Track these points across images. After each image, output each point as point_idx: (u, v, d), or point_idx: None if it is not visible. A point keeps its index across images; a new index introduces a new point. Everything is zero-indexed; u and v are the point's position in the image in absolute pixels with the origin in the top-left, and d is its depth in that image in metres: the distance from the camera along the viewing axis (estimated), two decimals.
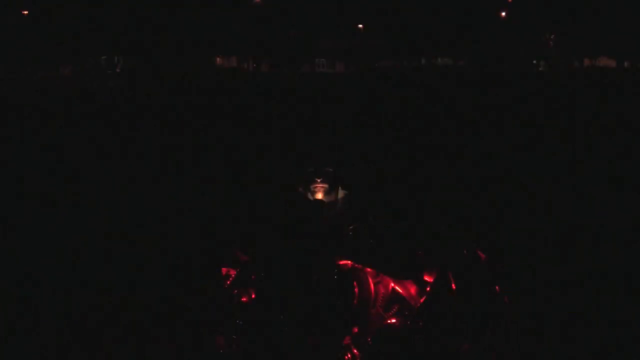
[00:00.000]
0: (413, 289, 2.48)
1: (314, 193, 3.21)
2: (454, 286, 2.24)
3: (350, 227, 2.65)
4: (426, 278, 2.44)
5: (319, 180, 3.20)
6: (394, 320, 2.48)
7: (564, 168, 8.49)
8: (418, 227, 2.62)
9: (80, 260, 4.95)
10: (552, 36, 57.73)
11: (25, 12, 50.31)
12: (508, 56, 54.56)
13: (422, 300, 2.38)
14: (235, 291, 3.34)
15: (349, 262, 2.71)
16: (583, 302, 3.93)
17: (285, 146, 9.80)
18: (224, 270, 3.43)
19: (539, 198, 6.55)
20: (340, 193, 3.21)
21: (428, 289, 2.38)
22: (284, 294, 3.00)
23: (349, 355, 2.63)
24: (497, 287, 2.28)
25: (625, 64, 55.01)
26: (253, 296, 3.28)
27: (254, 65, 60.47)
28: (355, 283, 2.56)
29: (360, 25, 59.26)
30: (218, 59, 61.07)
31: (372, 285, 2.59)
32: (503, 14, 57.55)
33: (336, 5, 54.41)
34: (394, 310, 2.51)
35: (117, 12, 48.67)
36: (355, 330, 2.62)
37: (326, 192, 3.20)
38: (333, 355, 2.64)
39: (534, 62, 60.84)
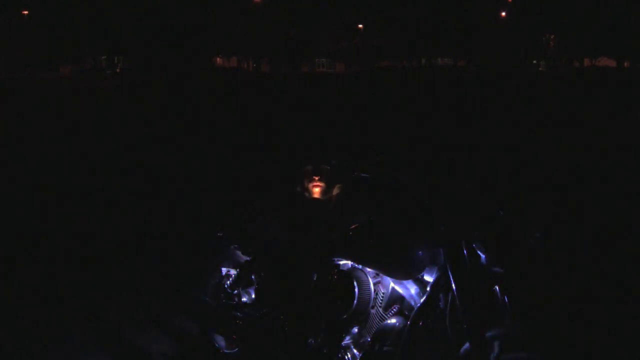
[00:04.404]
0: (413, 289, 2.47)
1: (311, 192, 3.20)
2: (454, 286, 2.22)
3: (351, 227, 2.64)
4: (426, 278, 2.42)
5: (317, 179, 3.19)
6: (394, 320, 2.47)
7: (564, 168, 8.48)
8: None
9: (81, 259, 4.95)
10: (552, 36, 57.76)
11: (25, 12, 50.35)
12: (508, 56, 54.58)
13: (422, 300, 2.37)
14: (235, 291, 3.34)
15: (349, 262, 2.70)
16: (584, 302, 3.92)
17: (284, 145, 9.80)
18: (223, 270, 3.43)
19: (539, 198, 6.55)
20: (336, 189, 3.21)
21: (428, 288, 2.37)
22: (284, 294, 3.00)
23: (349, 355, 2.62)
24: (497, 287, 2.27)
25: (625, 64, 55.06)
26: (253, 296, 3.29)
27: (254, 65, 60.46)
28: (355, 283, 2.55)
29: (360, 25, 59.29)
30: (218, 59, 61.10)
31: (372, 285, 2.58)
32: (503, 14, 57.58)
33: (336, 5, 54.43)
34: (394, 310, 2.49)
35: (117, 12, 48.69)
36: (355, 330, 2.62)
37: (324, 191, 3.20)
38: (333, 355, 2.63)
39: (534, 62, 60.89)
